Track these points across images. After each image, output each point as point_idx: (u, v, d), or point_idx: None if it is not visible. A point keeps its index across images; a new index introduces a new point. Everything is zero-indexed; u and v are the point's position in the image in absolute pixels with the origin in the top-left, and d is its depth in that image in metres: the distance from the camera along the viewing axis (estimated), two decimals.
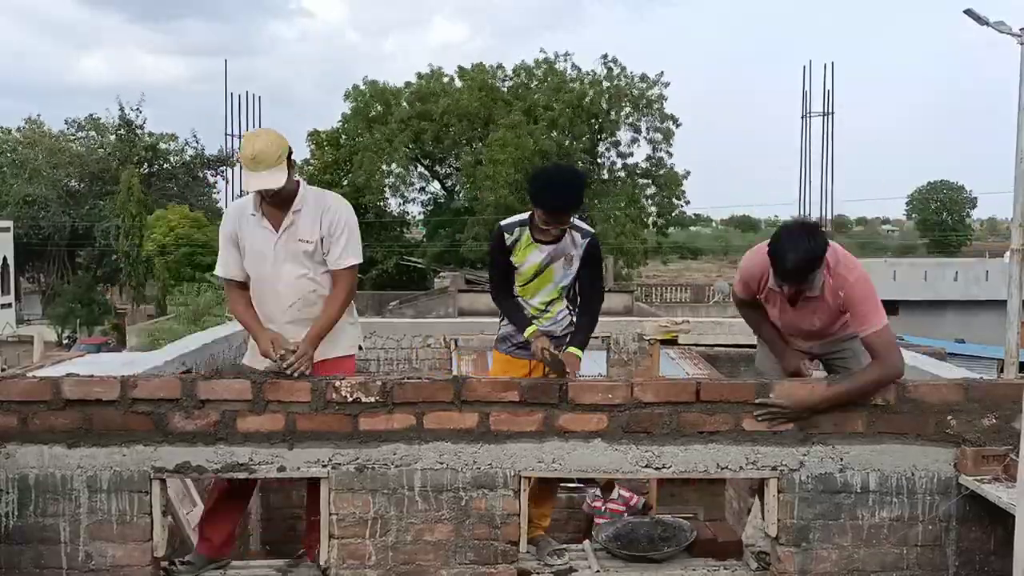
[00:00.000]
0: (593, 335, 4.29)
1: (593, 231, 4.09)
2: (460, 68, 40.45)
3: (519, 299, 4.10)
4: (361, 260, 3.75)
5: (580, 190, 3.96)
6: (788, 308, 3.63)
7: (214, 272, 3.91)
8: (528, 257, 4.02)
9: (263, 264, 3.67)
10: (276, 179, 3.50)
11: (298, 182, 3.67)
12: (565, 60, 40.17)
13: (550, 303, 4.09)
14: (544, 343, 3.83)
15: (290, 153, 3.57)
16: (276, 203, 3.62)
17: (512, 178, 35.17)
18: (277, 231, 3.64)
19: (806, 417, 3.43)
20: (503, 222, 4.14)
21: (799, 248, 3.35)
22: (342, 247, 3.66)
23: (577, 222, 4.02)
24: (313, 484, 3.60)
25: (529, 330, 3.96)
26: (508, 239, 4.03)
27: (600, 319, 4.25)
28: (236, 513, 3.86)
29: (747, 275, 3.74)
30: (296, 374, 3.43)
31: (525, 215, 4.07)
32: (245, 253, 3.71)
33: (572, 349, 3.89)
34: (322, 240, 3.65)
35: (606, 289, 4.93)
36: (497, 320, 4.27)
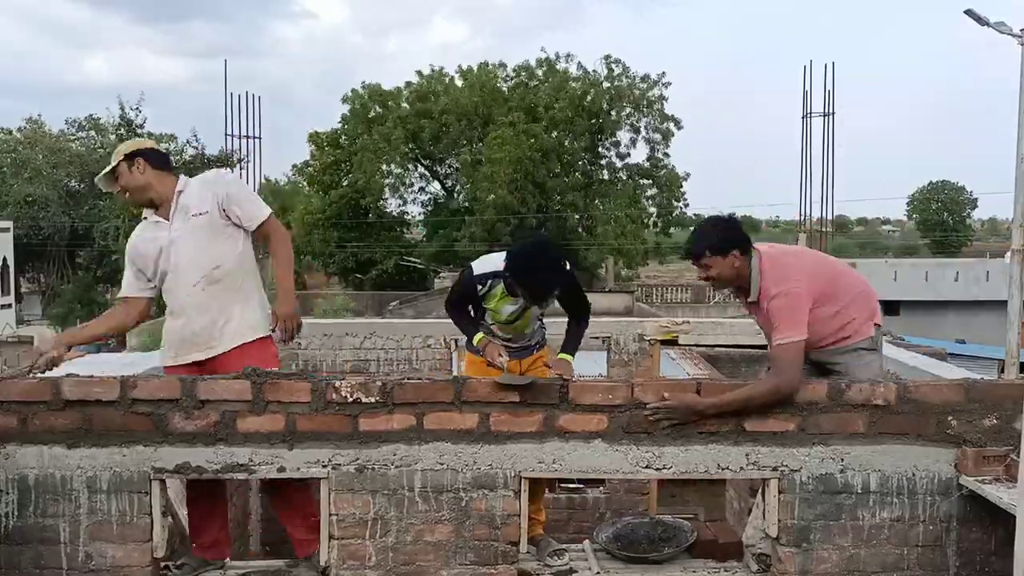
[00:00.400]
0: (594, 335, 4.32)
1: (569, 268, 4.03)
2: (461, 68, 40.47)
3: (496, 327, 4.14)
4: (270, 209, 3.90)
5: (564, 275, 3.89)
6: (752, 310, 3.84)
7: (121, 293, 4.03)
8: (503, 308, 4.07)
9: (166, 257, 3.76)
10: (106, 179, 3.85)
11: (172, 176, 3.86)
12: (567, 61, 40.18)
13: (529, 333, 4.21)
14: (497, 349, 3.92)
15: (136, 153, 3.80)
16: (142, 201, 3.84)
17: (511, 177, 35.15)
18: (169, 220, 3.78)
19: (694, 421, 3.41)
20: (476, 271, 4.05)
21: (700, 225, 3.86)
22: (248, 203, 3.80)
23: None
24: (272, 484, 3.69)
25: (477, 337, 4.04)
26: (480, 290, 4.04)
27: (600, 319, 4.28)
28: (216, 513, 3.84)
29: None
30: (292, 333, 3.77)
31: (500, 265, 3.94)
32: (140, 260, 3.83)
33: (563, 355, 3.96)
34: (221, 208, 3.74)
35: (607, 289, 4.97)
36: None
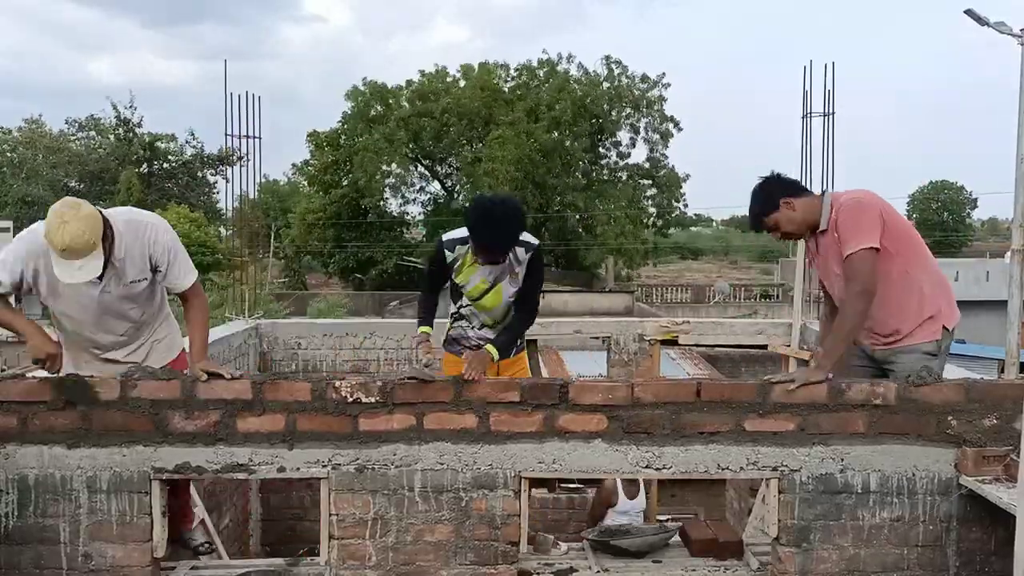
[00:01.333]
0: (594, 335, 4.31)
1: (536, 243, 4.02)
2: (464, 66, 40.45)
3: (472, 310, 4.13)
4: (196, 273, 3.75)
5: (517, 229, 3.83)
6: (818, 257, 3.79)
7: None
8: (471, 278, 4.03)
9: (84, 312, 3.56)
10: (93, 268, 3.26)
11: (108, 225, 3.34)
12: (569, 62, 40.23)
13: (504, 318, 4.13)
14: (425, 348, 3.96)
15: (106, 225, 3.31)
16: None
17: (512, 176, 35.16)
18: (101, 281, 3.44)
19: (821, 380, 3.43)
20: (444, 236, 4.05)
21: (752, 196, 3.78)
22: (180, 270, 3.63)
23: (522, 236, 3.92)
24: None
25: (421, 329, 4.07)
26: (449, 256, 4.00)
27: (600, 319, 4.27)
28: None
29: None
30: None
31: (466, 232, 3.91)
32: (49, 291, 3.47)
33: (489, 347, 3.84)
34: (156, 272, 3.58)
35: (607, 289, 4.98)
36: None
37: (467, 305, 4.14)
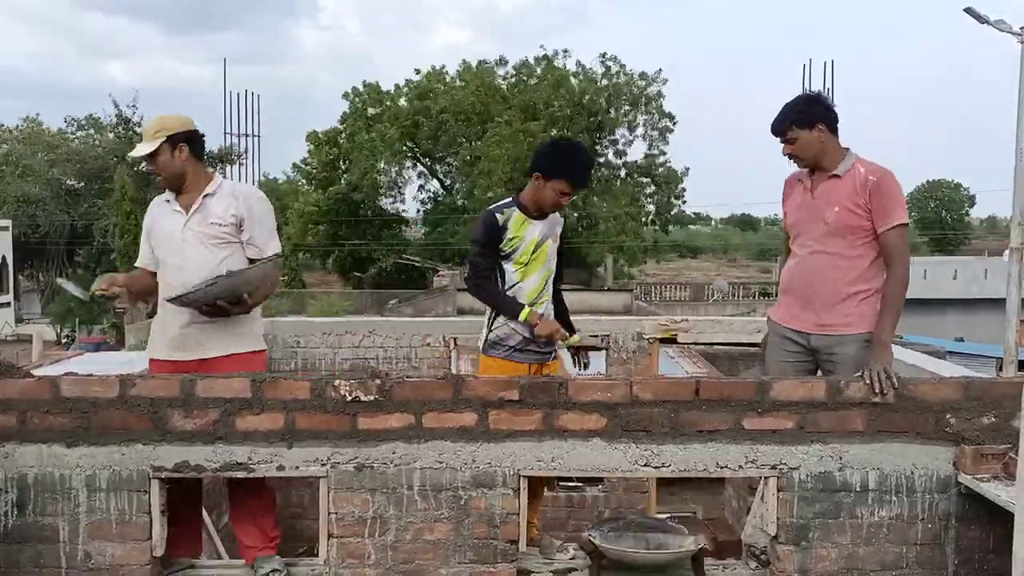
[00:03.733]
0: (592, 334, 4.32)
1: None
2: (463, 63, 40.45)
3: (517, 288, 4.08)
4: (280, 250, 3.86)
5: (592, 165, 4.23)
6: (808, 198, 3.73)
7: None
8: (526, 232, 4.03)
9: (170, 245, 3.77)
10: (142, 148, 3.73)
11: (212, 173, 3.87)
12: (565, 57, 40.19)
13: (542, 291, 4.10)
14: (553, 324, 3.95)
15: (181, 137, 3.72)
16: (172, 185, 3.78)
17: (509, 176, 35.15)
18: (187, 214, 3.75)
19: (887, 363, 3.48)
20: (490, 207, 4.13)
21: (789, 101, 3.76)
22: (261, 232, 3.76)
23: None
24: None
25: (525, 312, 3.95)
26: (500, 219, 4.01)
27: (599, 318, 4.30)
28: (187, 516, 3.82)
29: (783, 195, 3.92)
30: None
31: (507, 199, 4.13)
32: (154, 238, 3.85)
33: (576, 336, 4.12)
34: (240, 225, 3.72)
35: (606, 288, 5.02)
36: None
37: (512, 286, 4.05)
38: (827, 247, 3.69)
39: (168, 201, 3.82)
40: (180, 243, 3.74)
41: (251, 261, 3.75)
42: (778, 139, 3.75)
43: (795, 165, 3.83)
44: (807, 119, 3.67)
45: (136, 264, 3.96)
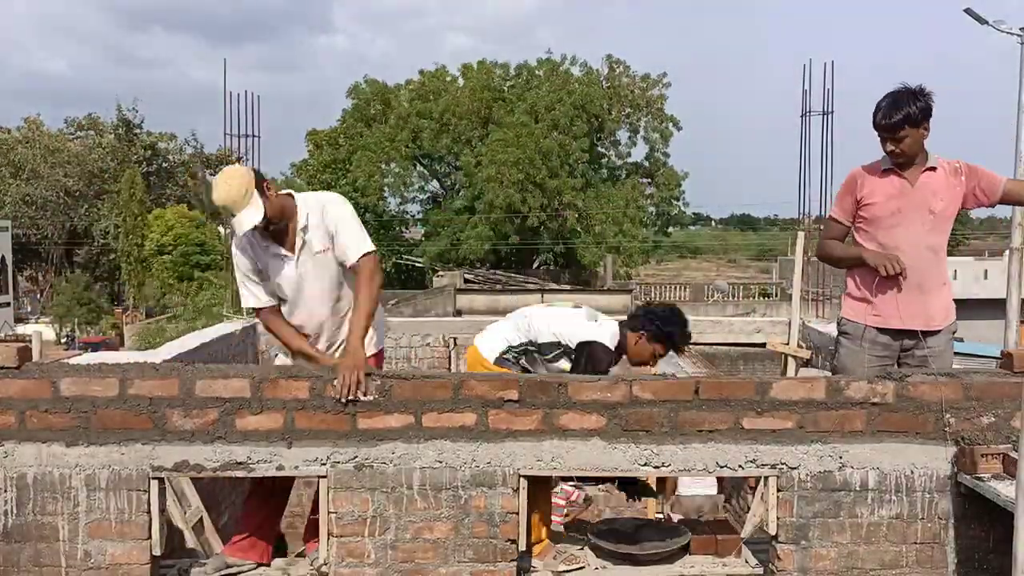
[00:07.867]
0: None
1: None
2: (464, 66, 40.43)
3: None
4: (372, 247, 3.71)
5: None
6: (908, 187, 3.79)
7: (245, 305, 3.93)
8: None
9: (290, 289, 3.72)
10: (255, 215, 3.49)
11: (290, 196, 3.68)
12: (572, 63, 40.20)
13: None
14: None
15: (260, 181, 3.53)
16: (278, 229, 3.64)
17: (514, 178, 35.15)
18: (293, 253, 3.68)
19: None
20: (607, 344, 4.14)
21: (896, 94, 3.71)
22: (348, 238, 3.67)
23: None
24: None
25: None
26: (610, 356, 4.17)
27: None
28: (266, 515, 3.81)
29: (845, 187, 3.95)
30: (364, 391, 3.39)
31: (614, 337, 4.19)
32: (273, 282, 3.73)
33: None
34: (331, 239, 3.68)
35: (605, 288, 5.02)
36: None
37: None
38: (930, 240, 3.84)
39: (265, 246, 3.68)
40: (297, 286, 3.71)
41: (341, 266, 3.70)
42: (883, 134, 3.76)
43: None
44: (919, 119, 3.72)
45: (254, 305, 3.84)
